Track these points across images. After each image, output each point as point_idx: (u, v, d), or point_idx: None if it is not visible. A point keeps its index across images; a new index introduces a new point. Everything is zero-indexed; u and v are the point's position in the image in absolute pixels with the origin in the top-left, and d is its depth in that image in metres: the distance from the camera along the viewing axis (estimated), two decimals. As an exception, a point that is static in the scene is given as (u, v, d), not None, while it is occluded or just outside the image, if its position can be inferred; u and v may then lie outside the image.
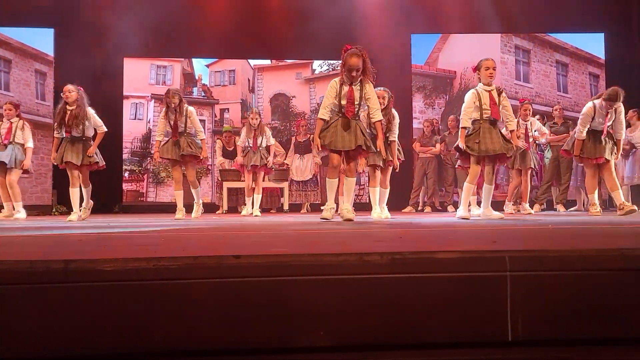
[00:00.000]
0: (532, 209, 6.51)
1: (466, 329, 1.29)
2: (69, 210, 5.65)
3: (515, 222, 3.63)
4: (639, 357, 1.32)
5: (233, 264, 1.27)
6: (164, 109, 5.68)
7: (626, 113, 7.03)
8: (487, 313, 1.30)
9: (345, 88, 4.19)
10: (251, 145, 6.55)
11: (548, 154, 7.41)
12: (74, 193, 5.25)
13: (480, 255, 1.33)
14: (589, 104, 5.15)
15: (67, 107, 5.18)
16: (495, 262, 1.32)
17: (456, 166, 6.56)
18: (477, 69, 4.57)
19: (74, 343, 1.21)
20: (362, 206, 7.87)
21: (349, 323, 1.27)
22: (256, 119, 6.55)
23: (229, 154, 8.08)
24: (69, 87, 5.23)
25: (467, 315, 1.30)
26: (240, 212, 6.90)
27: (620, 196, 4.92)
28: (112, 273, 1.24)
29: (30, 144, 5.93)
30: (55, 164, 5.35)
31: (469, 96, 4.56)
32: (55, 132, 5.31)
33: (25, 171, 6.01)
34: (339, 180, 4.49)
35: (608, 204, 7.85)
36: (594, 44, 9.05)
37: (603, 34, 8.98)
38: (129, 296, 1.23)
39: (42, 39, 8.50)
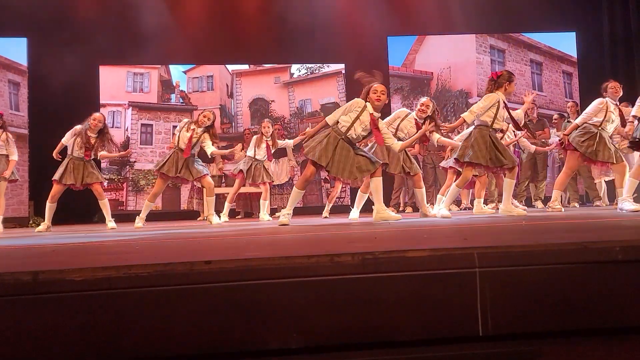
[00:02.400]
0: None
1: (438, 325, 1.32)
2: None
3: (488, 220, 3.68)
4: (605, 347, 1.36)
5: (204, 270, 1.27)
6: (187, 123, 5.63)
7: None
8: (458, 309, 1.32)
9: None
10: (258, 156, 6.38)
11: (525, 152, 7.52)
12: (53, 208, 5.41)
13: (450, 253, 1.36)
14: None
15: (89, 133, 5.41)
16: (465, 259, 1.34)
17: (442, 166, 6.58)
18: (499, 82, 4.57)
19: (45, 354, 1.20)
20: (345, 209, 7.89)
21: (322, 324, 1.28)
22: (268, 127, 6.42)
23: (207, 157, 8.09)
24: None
25: (439, 312, 1.32)
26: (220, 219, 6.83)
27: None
28: (81, 283, 1.23)
29: (14, 156, 5.84)
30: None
31: (492, 98, 4.48)
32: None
33: (12, 180, 5.92)
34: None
35: (585, 199, 7.99)
36: (566, 42, 9.22)
37: (574, 32, 9.16)
38: (100, 305, 1.23)
39: (14, 49, 8.36)
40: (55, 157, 5.45)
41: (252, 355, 1.27)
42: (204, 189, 5.73)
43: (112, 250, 1.98)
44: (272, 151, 6.47)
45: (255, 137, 6.53)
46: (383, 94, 4.18)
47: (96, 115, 5.50)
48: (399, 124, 5.03)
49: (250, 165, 6.33)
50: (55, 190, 5.39)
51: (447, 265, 1.34)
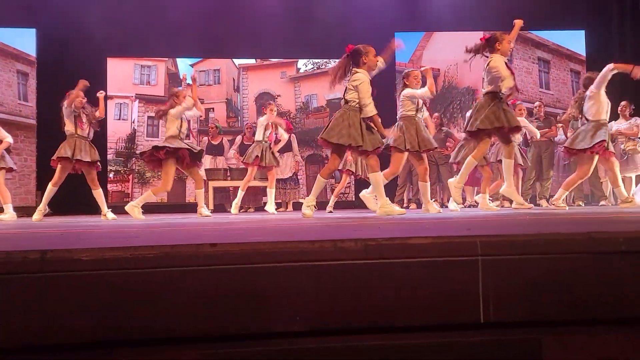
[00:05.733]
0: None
1: (439, 312, 1.33)
2: (53, 211, 5.63)
3: (493, 214, 3.69)
4: (607, 336, 1.36)
5: (209, 252, 1.29)
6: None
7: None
8: (460, 296, 1.33)
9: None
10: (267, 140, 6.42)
11: (531, 151, 7.50)
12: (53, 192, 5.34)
13: (452, 240, 1.37)
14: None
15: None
16: (467, 247, 1.35)
17: (454, 162, 6.57)
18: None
19: (52, 332, 1.22)
20: (349, 204, 7.91)
21: (325, 308, 1.29)
22: (274, 110, 6.45)
23: (213, 149, 8.13)
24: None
25: (440, 299, 1.33)
26: (230, 210, 6.83)
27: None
28: (89, 262, 1.25)
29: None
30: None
31: (499, 59, 4.42)
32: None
33: (9, 170, 5.94)
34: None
35: (590, 198, 7.97)
36: (574, 40, 9.17)
37: (583, 30, 9.11)
38: (107, 285, 1.25)
39: (23, 39, 8.41)
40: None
41: (255, 337, 1.28)
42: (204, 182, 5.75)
43: (119, 234, 2.00)
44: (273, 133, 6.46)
45: (261, 119, 6.52)
46: (374, 55, 4.21)
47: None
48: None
49: (262, 149, 6.33)
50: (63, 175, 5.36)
51: (449, 253, 1.35)
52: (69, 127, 5.32)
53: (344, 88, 4.24)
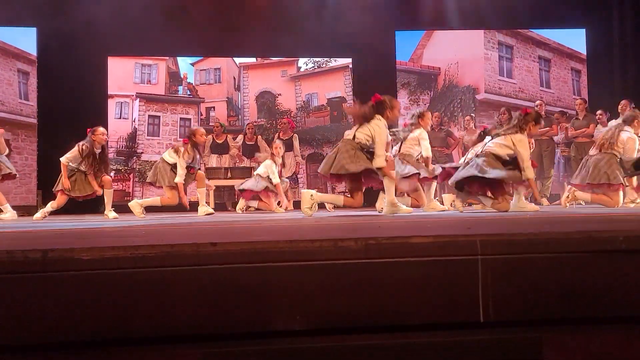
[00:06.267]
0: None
1: (439, 311, 1.33)
2: (55, 210, 5.64)
3: (493, 214, 3.69)
4: (606, 335, 1.36)
5: (210, 252, 1.29)
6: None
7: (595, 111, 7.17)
8: (460, 296, 1.33)
9: None
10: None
11: (532, 149, 7.49)
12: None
13: (453, 240, 1.37)
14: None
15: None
16: (467, 246, 1.35)
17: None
18: None
19: (53, 331, 1.22)
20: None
21: (325, 307, 1.29)
22: (280, 148, 6.63)
23: (218, 148, 8.16)
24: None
25: (440, 298, 1.33)
26: (236, 209, 6.85)
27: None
28: (90, 262, 1.25)
29: None
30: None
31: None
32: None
33: (9, 176, 5.91)
34: None
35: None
36: (575, 39, 9.15)
37: (584, 29, 9.10)
38: (108, 284, 1.25)
39: (24, 38, 8.41)
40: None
41: (256, 336, 1.29)
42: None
43: (119, 233, 2.00)
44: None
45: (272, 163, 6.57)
46: (399, 110, 4.34)
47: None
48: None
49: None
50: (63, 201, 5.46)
51: (449, 252, 1.35)
52: (72, 161, 5.33)
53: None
